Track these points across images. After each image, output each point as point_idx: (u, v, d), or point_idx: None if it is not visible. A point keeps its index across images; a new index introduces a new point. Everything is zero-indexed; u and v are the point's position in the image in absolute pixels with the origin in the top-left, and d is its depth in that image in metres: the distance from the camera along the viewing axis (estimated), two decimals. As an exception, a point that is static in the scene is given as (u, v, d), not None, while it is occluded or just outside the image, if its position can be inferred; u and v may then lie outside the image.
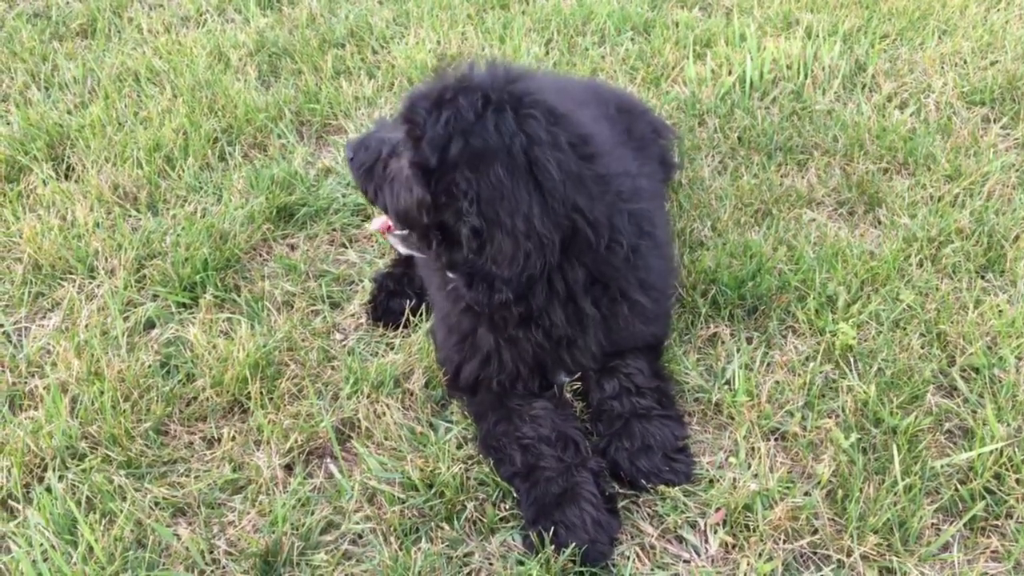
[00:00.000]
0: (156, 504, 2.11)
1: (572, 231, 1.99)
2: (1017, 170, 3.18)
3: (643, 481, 2.10)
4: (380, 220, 2.26)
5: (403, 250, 2.31)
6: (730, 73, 3.80)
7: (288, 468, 2.22)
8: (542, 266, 1.95)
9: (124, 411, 2.31)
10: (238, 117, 3.57)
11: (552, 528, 1.95)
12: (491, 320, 2.16)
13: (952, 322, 2.50)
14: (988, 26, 4.18)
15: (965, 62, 3.91)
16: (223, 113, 3.61)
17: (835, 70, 3.81)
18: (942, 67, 3.87)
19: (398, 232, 2.18)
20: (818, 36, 4.05)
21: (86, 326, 2.60)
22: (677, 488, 2.09)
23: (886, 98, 3.66)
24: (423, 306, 2.62)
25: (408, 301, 2.64)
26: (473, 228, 1.92)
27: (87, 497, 2.11)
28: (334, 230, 3.06)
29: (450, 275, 2.12)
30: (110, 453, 2.22)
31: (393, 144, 2.08)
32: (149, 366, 2.47)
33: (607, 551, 1.95)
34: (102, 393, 2.33)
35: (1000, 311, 2.52)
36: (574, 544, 1.90)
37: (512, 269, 1.93)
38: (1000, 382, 2.31)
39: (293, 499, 2.10)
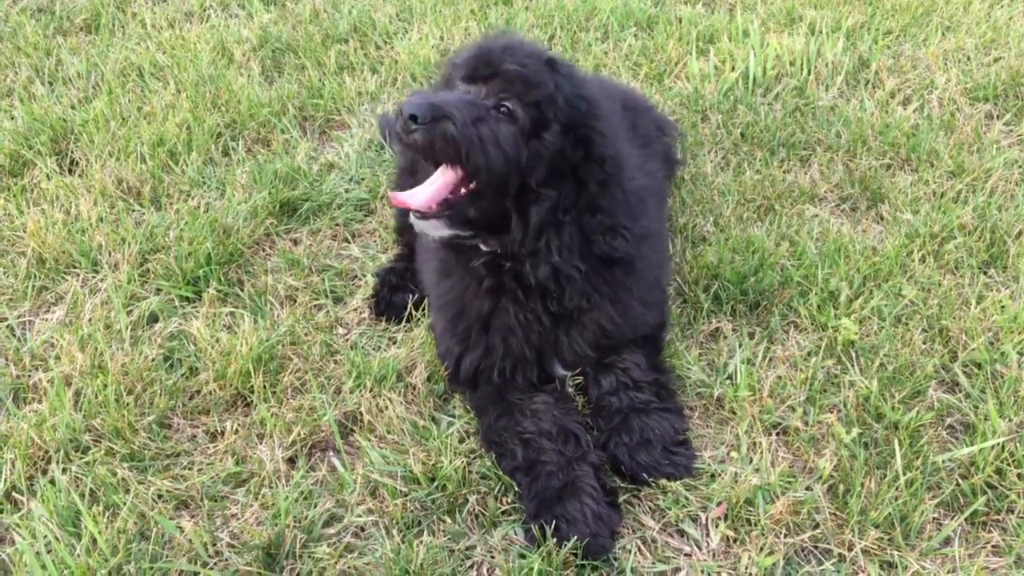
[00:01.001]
0: (159, 497, 2.12)
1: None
2: (1020, 166, 3.18)
3: (643, 475, 2.10)
4: (426, 195, 2.00)
5: (438, 234, 2.07)
6: (733, 69, 3.79)
7: (291, 461, 2.22)
8: (636, 208, 2.13)
9: (127, 404, 2.32)
10: (241, 112, 3.58)
11: (553, 522, 1.95)
12: (514, 296, 2.16)
13: (954, 318, 2.50)
14: (992, 22, 4.17)
15: (968, 58, 3.91)
16: (226, 108, 3.62)
17: (838, 66, 3.81)
18: (945, 63, 3.86)
19: (445, 212, 2.00)
20: (821, 32, 4.05)
21: (89, 320, 2.61)
22: (678, 482, 2.09)
23: (889, 94, 3.65)
24: (425, 300, 2.63)
25: (411, 296, 2.64)
26: (602, 183, 2.03)
27: (91, 489, 2.11)
28: (337, 225, 3.07)
29: (544, 265, 2.07)
30: (113, 446, 2.23)
31: (471, 106, 1.92)
32: (152, 360, 2.47)
33: (608, 544, 1.96)
34: (105, 386, 2.34)
35: (1002, 307, 2.52)
36: (575, 538, 1.91)
37: (626, 215, 2.07)
38: (1002, 377, 2.31)
39: (296, 492, 2.11)
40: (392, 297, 2.68)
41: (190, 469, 2.21)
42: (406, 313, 2.63)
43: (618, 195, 2.05)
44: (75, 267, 2.84)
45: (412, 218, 2.01)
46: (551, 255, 2.05)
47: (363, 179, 3.26)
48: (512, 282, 2.13)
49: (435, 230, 2.04)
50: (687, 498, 2.07)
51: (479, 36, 2.14)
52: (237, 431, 2.29)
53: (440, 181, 1.98)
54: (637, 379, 2.26)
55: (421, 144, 1.89)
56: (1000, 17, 4.23)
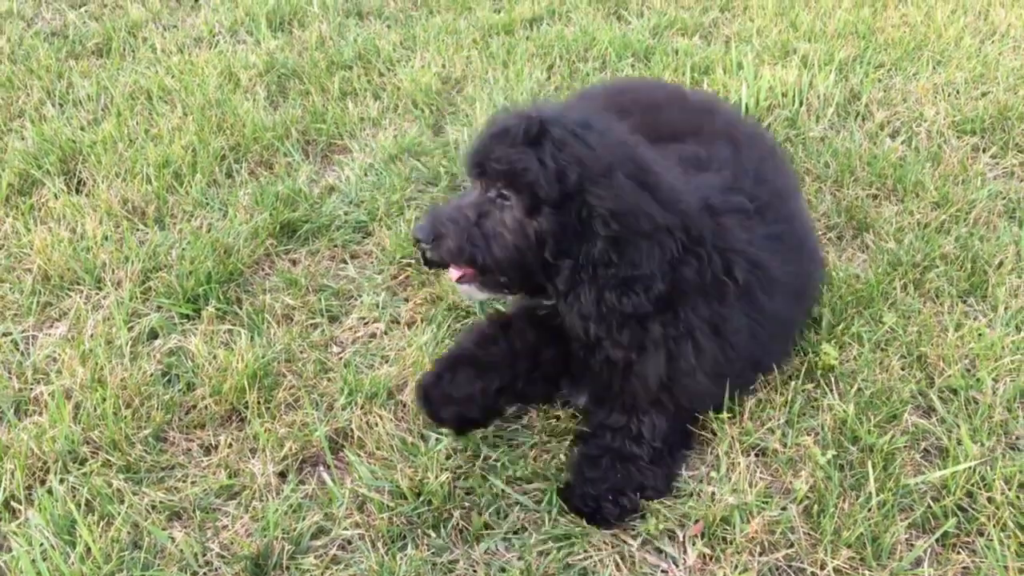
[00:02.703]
0: (153, 507, 2.19)
1: (684, 218, 2.10)
2: (1004, 198, 3.25)
3: (576, 502, 2.14)
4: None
5: (477, 296, 2.34)
6: (727, 99, 3.88)
7: (282, 475, 2.29)
8: (675, 250, 2.06)
9: (125, 418, 2.39)
10: (246, 135, 3.67)
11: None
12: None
13: (933, 344, 2.56)
14: (982, 57, 4.26)
15: (958, 92, 3.99)
16: (231, 131, 3.71)
17: (829, 98, 3.89)
18: (935, 97, 3.95)
19: (478, 279, 2.18)
20: (814, 65, 4.14)
21: (91, 335, 2.68)
22: (657, 502, 2.15)
23: (879, 126, 3.74)
24: None
25: None
26: (610, 241, 2.02)
27: (86, 499, 2.18)
28: (335, 246, 3.15)
29: (574, 317, 2.13)
30: (110, 458, 2.29)
31: (475, 204, 2.12)
32: (151, 375, 2.55)
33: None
34: (104, 400, 2.41)
35: (980, 334, 2.58)
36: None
37: (651, 264, 2.03)
38: (976, 403, 2.37)
39: (285, 505, 2.17)
40: None
41: (184, 481, 2.27)
42: None
43: (640, 245, 2.03)
44: (79, 284, 2.92)
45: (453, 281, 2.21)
46: (577, 311, 2.12)
47: (363, 202, 3.34)
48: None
49: (474, 293, 2.23)
50: (666, 516, 2.12)
51: (484, 121, 2.22)
52: (231, 445, 2.35)
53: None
54: (643, 436, 2.24)
55: (434, 260, 2.15)
56: (990, 52, 4.32)
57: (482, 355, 2.22)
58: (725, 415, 2.34)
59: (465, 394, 2.17)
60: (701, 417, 2.38)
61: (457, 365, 2.21)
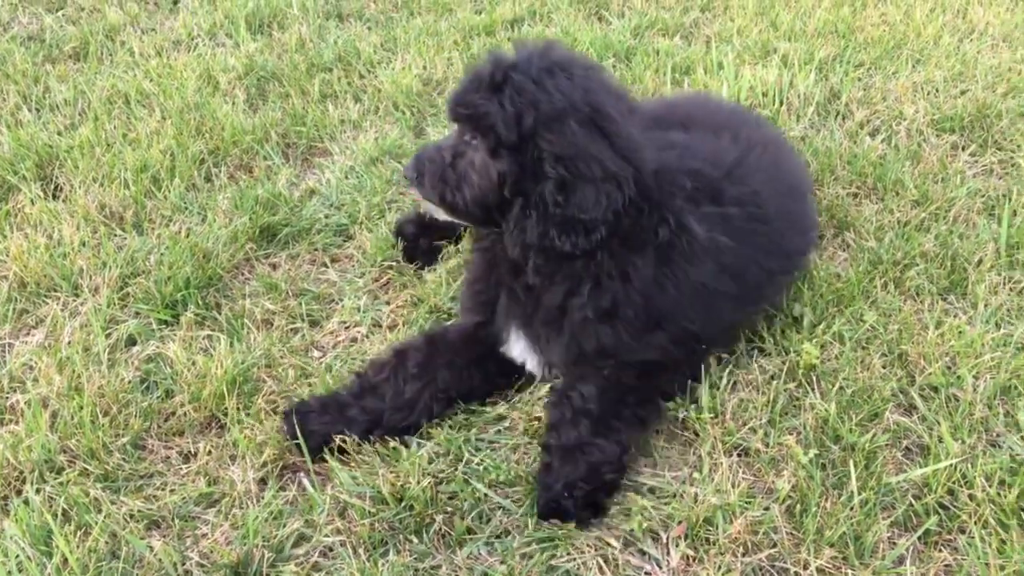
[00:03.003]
0: (131, 516, 2.16)
1: (638, 168, 2.18)
2: (983, 196, 3.26)
3: (541, 510, 2.15)
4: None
5: (439, 216, 2.45)
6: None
7: (262, 482, 2.26)
8: (622, 201, 2.15)
9: (103, 426, 2.36)
10: (225, 139, 3.65)
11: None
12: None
13: (913, 342, 2.57)
14: (960, 56, 4.28)
15: (937, 91, 4.01)
16: (210, 135, 3.69)
17: (810, 98, 3.90)
18: (914, 95, 3.96)
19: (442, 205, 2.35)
20: (794, 64, 4.15)
21: (68, 343, 2.65)
22: (639, 503, 2.14)
23: (859, 125, 3.75)
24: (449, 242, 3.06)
25: (433, 239, 3.03)
26: (558, 183, 2.12)
27: (63, 509, 2.15)
28: (316, 250, 3.13)
29: (515, 247, 2.26)
30: (88, 467, 2.27)
31: (452, 147, 2.27)
32: (129, 382, 2.52)
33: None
34: (81, 408, 2.38)
35: (960, 332, 2.59)
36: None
37: (597, 210, 2.13)
38: (957, 400, 2.37)
39: (265, 512, 2.15)
40: (419, 243, 3.01)
41: (163, 489, 2.25)
42: (438, 254, 3.03)
43: (587, 190, 2.12)
44: (56, 291, 2.89)
45: (419, 198, 2.41)
46: (521, 241, 2.23)
47: (343, 205, 3.32)
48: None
49: (437, 213, 2.40)
50: (648, 517, 2.12)
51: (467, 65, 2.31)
52: (210, 452, 2.33)
53: None
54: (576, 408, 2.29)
55: (423, 195, 2.34)
56: (969, 51, 4.34)
57: (353, 404, 2.37)
58: (707, 415, 2.34)
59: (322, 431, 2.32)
60: (682, 418, 2.37)
61: (326, 407, 2.36)
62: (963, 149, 3.59)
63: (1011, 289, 2.79)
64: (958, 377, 2.44)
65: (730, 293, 2.43)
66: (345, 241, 3.17)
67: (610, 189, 2.12)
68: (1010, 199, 3.17)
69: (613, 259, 2.25)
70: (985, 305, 2.71)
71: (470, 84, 2.19)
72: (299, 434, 2.27)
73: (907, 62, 4.26)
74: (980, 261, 2.89)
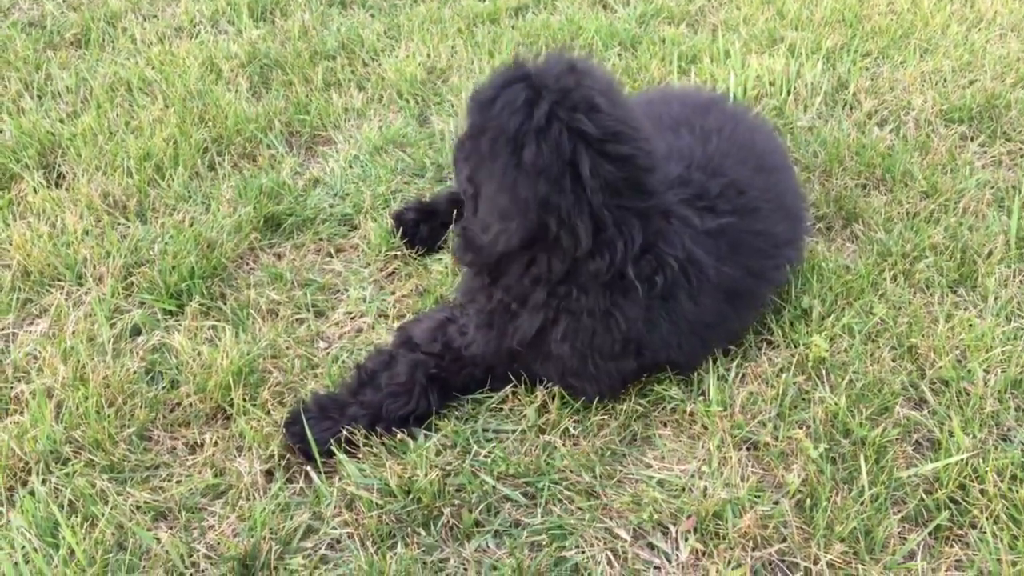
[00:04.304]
0: (138, 508, 2.15)
1: (541, 226, 2.04)
2: (992, 187, 3.24)
3: None
4: None
5: None
6: (714, 89, 3.86)
7: (269, 474, 2.25)
8: (505, 246, 2.07)
9: (108, 416, 2.34)
10: (228, 127, 3.62)
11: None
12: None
13: (923, 335, 2.55)
14: (968, 45, 4.25)
15: (945, 80, 3.98)
16: (213, 123, 3.66)
17: (817, 87, 3.87)
18: (922, 85, 3.94)
19: None
20: (801, 54, 4.12)
21: (73, 332, 2.64)
22: (649, 496, 2.13)
23: (866, 115, 3.72)
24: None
25: (432, 225, 3.02)
26: (470, 195, 2.15)
27: (69, 500, 2.14)
28: (320, 240, 3.11)
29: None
30: (93, 457, 2.25)
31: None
32: (134, 372, 2.50)
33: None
34: (87, 398, 2.37)
35: (970, 325, 2.58)
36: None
37: (485, 238, 2.10)
38: (968, 395, 2.36)
39: (273, 504, 2.14)
40: (419, 229, 3.00)
41: (169, 481, 2.24)
42: (439, 240, 3.02)
43: (485, 213, 2.12)
44: (60, 280, 2.87)
45: None
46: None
47: (347, 194, 3.30)
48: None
49: None
50: (658, 510, 2.11)
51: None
52: (216, 443, 2.32)
53: None
54: None
55: None
56: (977, 40, 4.31)
57: (352, 401, 2.34)
58: (716, 408, 2.32)
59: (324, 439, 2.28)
60: (690, 411, 2.36)
61: (325, 409, 2.33)
62: (972, 140, 3.57)
63: (1021, 282, 2.78)
64: (969, 371, 2.43)
65: (728, 320, 2.43)
66: (350, 231, 3.15)
67: (498, 229, 2.05)
68: (1020, 191, 3.15)
69: (590, 298, 2.17)
70: (995, 298, 2.70)
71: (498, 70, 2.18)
72: (303, 446, 2.26)
73: (915, 51, 4.23)
74: (990, 253, 2.87)
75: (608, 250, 2.10)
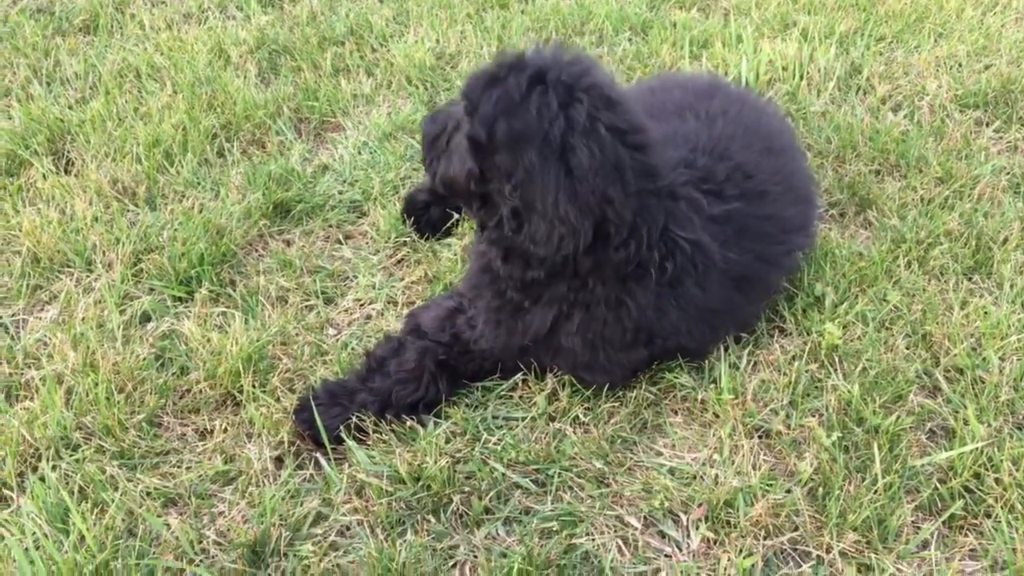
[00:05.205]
0: (147, 494, 2.15)
1: (603, 219, 2.04)
2: (1008, 173, 3.21)
3: None
4: None
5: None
6: (726, 74, 3.82)
7: (279, 460, 2.25)
8: (574, 249, 2.03)
9: (118, 403, 2.34)
10: (237, 114, 3.60)
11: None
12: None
13: (938, 323, 2.53)
14: (984, 29, 4.20)
15: (960, 65, 3.93)
16: (222, 110, 3.64)
17: (830, 72, 3.83)
18: (937, 70, 3.89)
19: None
20: (814, 38, 4.07)
21: (83, 319, 2.63)
22: (660, 483, 2.12)
23: (880, 100, 3.68)
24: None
25: (444, 208, 2.95)
26: (513, 209, 2.03)
27: (80, 487, 2.14)
28: (330, 226, 3.09)
29: (481, 244, 2.24)
30: (103, 444, 2.25)
31: (458, 118, 2.15)
32: (144, 359, 2.50)
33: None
34: (96, 385, 2.37)
35: (986, 312, 2.55)
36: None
37: (547, 250, 2.02)
38: (983, 383, 2.34)
39: (282, 491, 2.14)
40: (430, 211, 2.95)
41: (179, 467, 2.24)
42: (447, 224, 2.96)
43: (540, 224, 2.01)
44: (69, 266, 2.87)
45: None
46: (491, 245, 2.21)
47: (356, 181, 3.28)
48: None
49: None
50: (671, 496, 2.10)
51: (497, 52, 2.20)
52: (226, 430, 2.32)
53: None
54: None
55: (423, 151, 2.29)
56: (992, 24, 4.26)
57: (361, 388, 2.34)
58: (727, 396, 2.31)
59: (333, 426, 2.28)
60: (701, 398, 2.35)
61: (334, 396, 2.33)
62: (987, 125, 3.52)
63: (1037, 269, 2.75)
64: (983, 359, 2.40)
65: (737, 307, 2.40)
66: (359, 218, 3.14)
67: (564, 233, 1.99)
68: (1036, 177, 3.11)
69: (606, 288, 2.16)
70: (1011, 286, 2.66)
71: (484, 68, 2.09)
72: (312, 433, 2.25)
73: (929, 36, 4.18)
74: (1005, 240, 2.83)
75: (634, 238, 2.09)
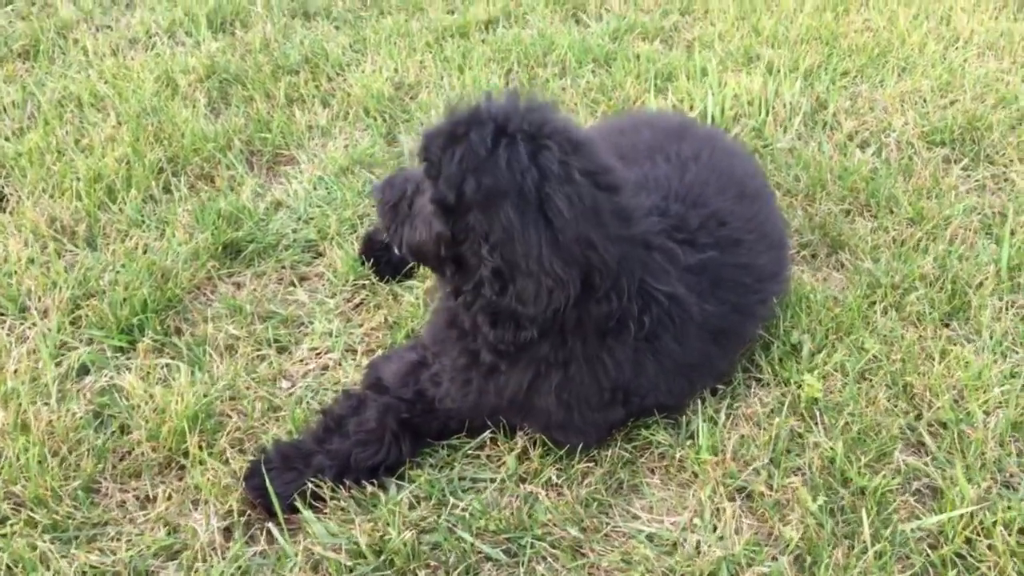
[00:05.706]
0: (83, 573, 1.96)
1: (588, 268, 1.92)
2: (979, 213, 3.17)
3: None
4: None
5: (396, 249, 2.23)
6: (692, 108, 3.75)
7: (227, 532, 2.08)
8: (565, 302, 1.90)
9: (52, 468, 2.15)
10: (185, 146, 3.43)
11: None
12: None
13: (918, 374, 2.45)
14: (947, 64, 4.19)
15: (925, 101, 3.91)
16: (169, 142, 3.47)
17: (796, 107, 3.78)
18: (902, 105, 3.86)
19: None
20: (779, 72, 4.02)
21: (15, 372, 2.44)
22: (640, 555, 1.99)
23: (847, 136, 3.63)
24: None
25: None
26: (494, 270, 1.88)
27: (7, 566, 1.95)
28: (283, 268, 2.94)
29: (460, 310, 2.06)
30: (35, 515, 2.06)
31: (417, 181, 2.03)
32: (81, 417, 2.32)
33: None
34: (28, 448, 2.17)
35: (966, 363, 2.47)
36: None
37: (537, 308, 1.89)
38: (968, 439, 2.25)
39: (232, 567, 1.96)
40: (388, 255, 2.78)
41: (118, 540, 2.05)
42: (408, 267, 2.81)
43: (527, 283, 1.88)
44: (1, 314, 2.67)
45: None
46: (465, 309, 2.05)
47: (312, 219, 3.13)
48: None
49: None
50: (651, 568, 1.97)
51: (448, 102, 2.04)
52: (170, 497, 2.14)
53: None
54: None
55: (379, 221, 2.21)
56: (955, 59, 4.26)
57: (318, 450, 2.19)
58: (707, 455, 2.19)
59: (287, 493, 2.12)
60: (679, 456, 2.23)
61: (288, 460, 2.17)
62: (955, 163, 3.49)
63: (1015, 315, 2.69)
64: (967, 413, 2.33)
65: (715, 360, 2.31)
66: (315, 258, 2.99)
67: (551, 286, 1.87)
68: (1008, 218, 3.07)
69: (586, 345, 2.04)
70: (990, 333, 2.60)
71: (438, 125, 1.95)
72: (264, 501, 2.09)
73: (893, 70, 4.16)
74: (981, 284, 2.78)
75: (615, 290, 1.98)
